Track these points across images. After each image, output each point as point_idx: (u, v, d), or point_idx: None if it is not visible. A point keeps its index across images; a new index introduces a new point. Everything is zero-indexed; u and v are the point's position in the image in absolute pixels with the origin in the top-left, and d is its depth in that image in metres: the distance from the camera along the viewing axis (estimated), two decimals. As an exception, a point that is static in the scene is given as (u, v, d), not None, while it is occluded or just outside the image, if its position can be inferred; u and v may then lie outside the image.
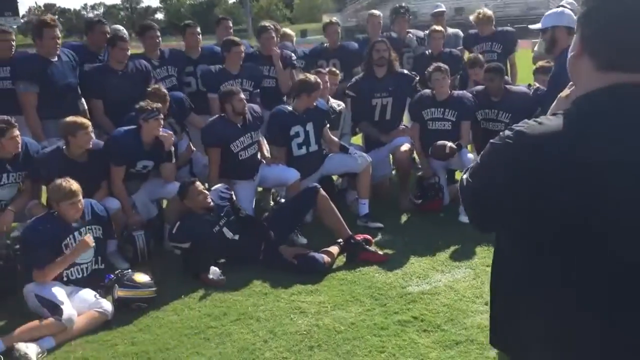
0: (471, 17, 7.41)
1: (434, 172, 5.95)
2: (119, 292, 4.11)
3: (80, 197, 4.12)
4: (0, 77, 5.35)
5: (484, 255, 4.84)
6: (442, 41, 7.05)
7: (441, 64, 5.86)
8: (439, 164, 6.00)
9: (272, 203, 6.32)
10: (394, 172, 6.56)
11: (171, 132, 5.16)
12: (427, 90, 6.02)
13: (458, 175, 6.84)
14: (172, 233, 4.67)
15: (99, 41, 5.96)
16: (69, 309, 3.81)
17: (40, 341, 3.67)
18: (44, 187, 4.89)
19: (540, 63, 6.11)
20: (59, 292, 3.94)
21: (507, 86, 5.98)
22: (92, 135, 4.75)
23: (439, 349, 3.48)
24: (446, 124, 5.86)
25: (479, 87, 6.04)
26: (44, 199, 4.95)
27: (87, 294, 4.10)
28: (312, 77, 5.54)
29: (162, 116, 4.99)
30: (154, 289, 4.21)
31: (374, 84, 6.18)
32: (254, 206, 5.60)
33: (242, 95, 5.36)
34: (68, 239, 4.10)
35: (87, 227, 4.23)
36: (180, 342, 3.70)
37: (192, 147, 5.83)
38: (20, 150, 4.62)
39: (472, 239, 5.17)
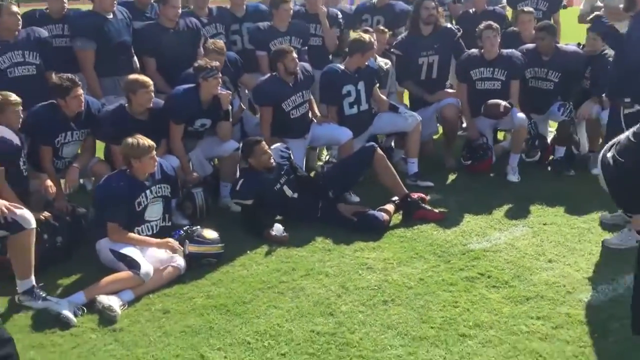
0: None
1: (482, 133, 5.96)
2: (190, 248, 4.21)
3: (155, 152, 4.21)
4: (54, 34, 5.36)
5: (539, 214, 4.91)
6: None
7: (492, 22, 5.81)
8: (486, 124, 6.02)
9: (318, 162, 6.37)
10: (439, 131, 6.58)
11: (229, 91, 5.19)
12: (475, 50, 5.98)
13: (500, 135, 6.87)
14: (235, 190, 4.75)
15: (145, -4, 5.94)
16: (145, 264, 3.92)
17: (121, 293, 3.80)
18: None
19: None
20: (133, 248, 4.05)
21: (558, 45, 5.93)
22: (152, 94, 4.78)
23: (511, 304, 3.58)
24: (495, 84, 5.85)
25: (529, 46, 6.00)
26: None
27: (159, 250, 4.21)
28: (366, 37, 5.53)
29: (220, 75, 5.00)
30: (222, 244, 4.32)
31: (420, 42, 6.15)
32: (304, 165, 5.67)
33: (295, 54, 5.36)
34: (141, 196, 4.19)
35: (158, 185, 4.31)
36: (255, 295, 3.82)
37: (243, 105, 5.86)
38: (83, 108, 4.67)
39: (524, 197, 5.25)
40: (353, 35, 5.64)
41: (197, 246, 4.23)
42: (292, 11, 6.04)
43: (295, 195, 4.89)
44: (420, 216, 4.84)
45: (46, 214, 4.25)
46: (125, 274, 3.87)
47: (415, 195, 5.01)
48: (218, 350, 3.26)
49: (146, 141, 4.18)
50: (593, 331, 3.25)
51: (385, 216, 4.74)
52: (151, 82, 4.78)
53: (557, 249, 4.27)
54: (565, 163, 5.89)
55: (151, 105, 4.81)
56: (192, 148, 5.31)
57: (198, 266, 4.21)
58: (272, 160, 4.80)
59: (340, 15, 6.59)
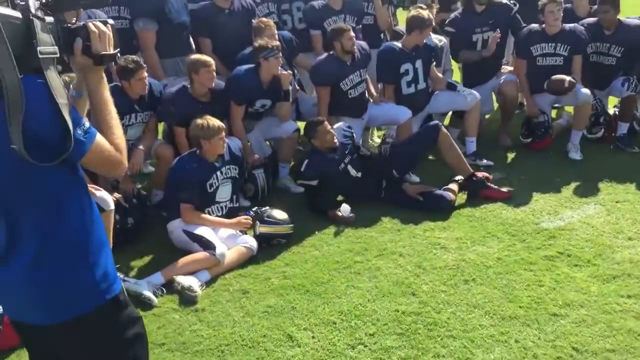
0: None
1: (542, 110, 5.83)
2: (261, 228, 4.20)
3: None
4: (111, 16, 5.33)
5: (609, 191, 4.80)
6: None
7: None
8: (546, 101, 5.88)
9: (372, 142, 6.31)
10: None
11: (289, 71, 5.13)
12: (536, 25, 5.83)
13: (569, 109, 6.70)
14: (300, 171, 4.71)
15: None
16: (220, 245, 3.92)
17: (197, 274, 3.80)
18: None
19: None
20: (207, 229, 4.05)
21: (621, 18, 5.75)
22: (214, 73, 4.75)
23: (598, 282, 3.50)
24: (558, 59, 5.70)
25: (591, 20, 5.83)
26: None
27: (229, 230, 4.20)
28: (424, 13, 5.42)
29: (281, 54, 4.95)
30: (291, 225, 4.29)
31: (474, 19, 5.99)
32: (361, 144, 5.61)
33: (352, 33, 5.28)
34: (212, 178, 4.18)
35: (227, 166, 4.30)
36: (332, 276, 3.79)
37: (297, 86, 5.80)
38: (146, 91, 4.66)
39: (590, 175, 5.14)
40: (411, 12, 5.52)
41: (268, 226, 4.21)
42: (346, -12, 5.94)
43: (359, 174, 4.84)
44: (487, 195, 4.77)
45: (117, 195, 4.26)
46: (202, 254, 3.87)
47: (480, 175, 4.93)
48: (305, 330, 3.25)
49: (215, 122, 4.16)
50: (690, 310, 3.17)
51: (452, 195, 4.68)
52: (212, 62, 4.74)
53: (635, 226, 4.17)
54: (629, 139, 5.74)
55: (213, 85, 4.78)
56: (250, 129, 5.28)
57: (268, 247, 4.20)
58: (335, 140, 4.75)
59: (392, -7, 6.49)
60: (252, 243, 4.09)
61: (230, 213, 4.36)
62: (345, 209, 4.51)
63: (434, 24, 5.53)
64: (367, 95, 5.60)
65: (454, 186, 4.86)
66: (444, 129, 4.97)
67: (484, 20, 5.99)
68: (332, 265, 3.93)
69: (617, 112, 5.96)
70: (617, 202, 4.59)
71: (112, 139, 1.74)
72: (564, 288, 3.47)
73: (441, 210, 4.59)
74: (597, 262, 3.73)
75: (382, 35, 6.38)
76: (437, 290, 3.54)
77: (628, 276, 3.54)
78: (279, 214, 4.29)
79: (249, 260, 4.04)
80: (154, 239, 4.39)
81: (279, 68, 4.98)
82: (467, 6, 6.08)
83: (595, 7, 6.27)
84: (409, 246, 4.12)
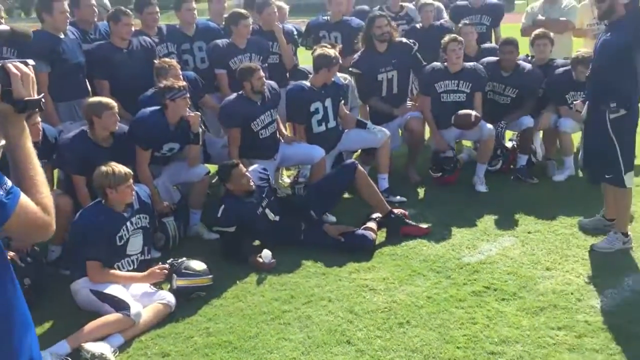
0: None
1: (449, 145, 5.98)
2: (179, 282, 3.88)
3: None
4: (3, 57, 4.86)
5: (520, 222, 4.93)
6: (433, 14, 7.07)
7: (457, 35, 5.86)
8: (451, 136, 6.05)
9: (282, 182, 6.16)
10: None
11: (198, 113, 4.89)
12: (437, 63, 6.01)
13: (467, 143, 6.91)
14: (216, 217, 4.45)
15: (87, 15, 5.54)
16: (135, 304, 3.56)
17: (109, 339, 3.42)
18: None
19: (581, 54, 5.85)
20: (117, 287, 3.68)
21: (518, 62, 6.05)
22: (118, 116, 4.42)
23: (528, 316, 3.52)
24: (461, 96, 5.89)
25: (490, 59, 6.09)
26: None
27: (141, 287, 3.85)
28: (331, 52, 5.41)
29: (189, 95, 4.72)
30: (211, 276, 4.01)
31: (377, 59, 6.08)
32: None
33: (262, 73, 5.16)
34: (122, 229, 3.83)
35: (137, 215, 3.96)
36: (260, 329, 3.55)
37: (204, 127, 5.56)
38: (40, 137, 4.24)
39: (499, 207, 5.28)
40: (317, 50, 5.49)
41: (186, 279, 3.91)
42: (251, 27, 5.83)
43: (277, 218, 4.66)
44: (407, 232, 4.74)
45: (11, 253, 3.78)
46: (114, 316, 3.49)
47: (397, 211, 4.91)
48: (238, 393, 2.97)
49: (122, 168, 3.84)
50: (617, 338, 3.24)
51: (373, 234, 4.61)
52: (115, 104, 4.43)
53: (550, 256, 4.29)
54: (527, 171, 6.00)
55: (116, 129, 4.45)
56: (157, 175, 4.96)
57: (186, 301, 3.89)
58: (251, 183, 4.55)
59: (295, 32, 6.45)
60: (170, 299, 3.76)
61: (142, 266, 4.01)
62: (266, 255, 4.30)
63: (340, 61, 5.51)
64: (278, 135, 5.46)
65: (372, 224, 4.80)
66: (360, 167, 4.94)
67: (387, 60, 6.09)
68: (260, 317, 3.68)
69: (515, 145, 6.22)
70: (529, 232, 4.73)
71: (39, 199, 1.46)
72: (497, 324, 3.45)
73: (364, 250, 4.50)
74: (523, 295, 3.77)
75: (287, 74, 6.32)
76: (372, 336, 3.40)
77: (554, 307, 3.59)
78: (197, 265, 4.00)
79: (167, 318, 3.71)
80: (56, 301, 3.93)
81: (186, 109, 4.73)
82: (369, 46, 6.15)
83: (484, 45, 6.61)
84: (336, 290, 3.97)
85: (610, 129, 4.10)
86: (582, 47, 6.73)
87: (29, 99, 1.48)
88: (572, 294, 3.74)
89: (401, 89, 6.25)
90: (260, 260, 4.29)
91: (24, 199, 1.43)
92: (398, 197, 5.55)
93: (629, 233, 4.33)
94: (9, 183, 1.41)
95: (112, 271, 3.75)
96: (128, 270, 3.90)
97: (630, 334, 3.26)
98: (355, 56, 6.22)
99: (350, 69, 6.20)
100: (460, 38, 5.80)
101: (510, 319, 3.50)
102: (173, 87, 4.60)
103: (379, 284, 4.01)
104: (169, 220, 4.71)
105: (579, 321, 3.43)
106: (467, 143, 7.03)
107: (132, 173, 3.89)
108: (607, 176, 4.29)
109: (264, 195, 4.64)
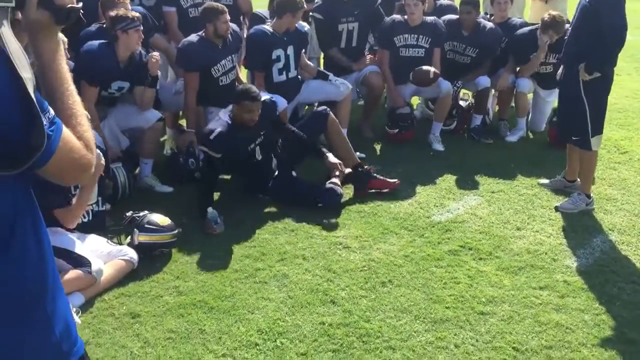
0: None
1: (406, 101, 5.86)
2: (141, 237, 3.57)
3: None
4: None
5: (482, 182, 4.88)
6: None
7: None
8: (407, 92, 5.92)
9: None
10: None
11: (158, 53, 4.46)
12: (398, 16, 5.82)
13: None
14: (208, 139, 4.09)
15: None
16: (96, 260, 3.23)
17: (68, 298, 3.07)
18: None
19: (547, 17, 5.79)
20: (73, 241, 3.32)
21: (479, 20, 5.94)
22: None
23: (508, 275, 3.50)
24: (419, 51, 5.74)
25: (451, 17, 5.97)
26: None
27: (98, 241, 3.51)
28: (296, -6, 5.07)
29: (142, 27, 4.28)
30: (176, 231, 3.72)
31: (340, 7, 5.80)
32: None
33: (228, 16, 4.76)
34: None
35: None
36: (235, 288, 3.32)
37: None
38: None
39: (459, 166, 5.21)
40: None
41: (149, 235, 3.60)
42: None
43: (260, 158, 4.40)
44: (375, 186, 4.60)
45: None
46: (73, 273, 3.15)
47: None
48: (224, 358, 2.76)
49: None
50: (598, 298, 3.27)
51: (340, 189, 4.44)
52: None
53: (518, 216, 4.29)
54: (482, 131, 6.00)
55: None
56: (103, 118, 4.53)
57: (148, 259, 3.58)
58: (256, 119, 4.23)
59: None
60: (132, 255, 3.45)
61: (98, 218, 3.66)
62: (212, 216, 3.98)
63: (305, 6, 5.20)
64: (237, 83, 5.12)
65: (336, 180, 4.62)
66: (332, 115, 4.72)
67: (350, 10, 5.83)
68: (232, 275, 3.45)
69: (471, 105, 6.19)
70: (492, 192, 4.71)
71: (81, 132, 1.17)
72: (480, 284, 3.41)
73: (332, 204, 4.33)
74: (499, 254, 3.74)
75: (242, 17, 5.93)
76: (356, 296, 3.26)
77: (532, 267, 3.59)
78: (161, 219, 3.69)
79: (130, 275, 3.40)
80: None
81: (139, 44, 4.31)
82: (332, -7, 5.84)
83: (439, 2, 6.50)
84: (309, 248, 3.79)
85: (583, 90, 4.10)
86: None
87: (72, 6, 1.16)
88: (546, 253, 3.76)
89: (360, 43, 6.01)
90: (215, 227, 3.97)
91: (66, 132, 1.13)
92: (357, 154, 5.37)
93: (591, 195, 4.41)
94: (52, 111, 1.11)
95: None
96: (83, 222, 3.53)
97: (610, 295, 3.30)
98: (318, 0, 5.91)
99: (311, 12, 5.89)
100: (418, -7, 5.59)
101: (491, 278, 3.47)
102: (126, 16, 4.17)
103: (352, 242, 3.87)
104: (117, 166, 4.32)
105: (559, 281, 3.44)
106: (418, 100, 6.94)
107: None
108: (574, 138, 4.33)
109: (261, 133, 4.34)
